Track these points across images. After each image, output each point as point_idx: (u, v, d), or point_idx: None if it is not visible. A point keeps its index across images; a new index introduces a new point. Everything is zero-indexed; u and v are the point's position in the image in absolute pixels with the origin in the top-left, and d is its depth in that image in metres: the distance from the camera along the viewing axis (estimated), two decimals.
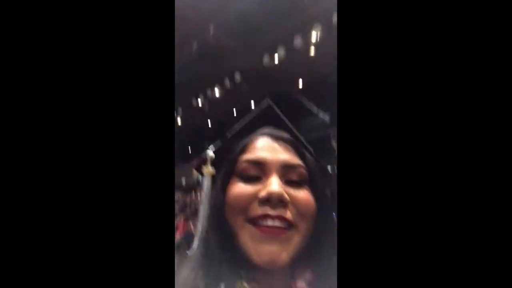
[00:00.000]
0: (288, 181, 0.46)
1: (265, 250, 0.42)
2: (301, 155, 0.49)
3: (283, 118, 0.55)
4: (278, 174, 0.46)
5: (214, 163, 0.57)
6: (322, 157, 0.55)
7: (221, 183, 0.50)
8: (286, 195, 0.44)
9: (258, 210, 0.44)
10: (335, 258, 0.46)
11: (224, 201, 0.48)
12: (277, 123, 0.55)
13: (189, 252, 0.53)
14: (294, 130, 0.55)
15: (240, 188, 0.46)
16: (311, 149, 0.52)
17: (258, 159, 0.47)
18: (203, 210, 0.54)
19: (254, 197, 0.45)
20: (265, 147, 0.49)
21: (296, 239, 0.44)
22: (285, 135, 0.51)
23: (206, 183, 0.56)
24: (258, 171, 0.47)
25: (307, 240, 0.46)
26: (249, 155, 0.49)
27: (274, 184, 0.44)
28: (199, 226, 0.54)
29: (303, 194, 0.46)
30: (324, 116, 0.62)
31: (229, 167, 0.50)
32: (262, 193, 0.44)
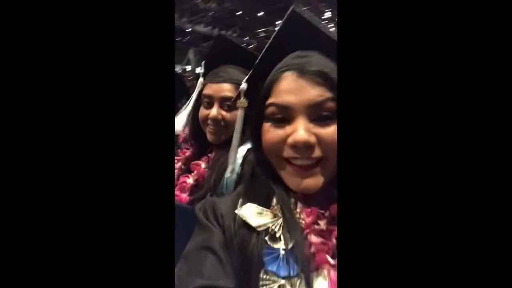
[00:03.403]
0: (316, 118, 0.48)
1: (301, 184, 0.49)
2: (330, 83, 0.48)
3: (310, 20, 0.53)
4: (304, 115, 0.48)
5: (246, 94, 0.61)
6: None
7: (254, 127, 0.55)
8: (311, 139, 0.47)
9: (288, 152, 0.49)
10: None
11: (260, 144, 0.53)
12: (304, 31, 0.53)
13: (226, 175, 0.65)
14: (326, 32, 0.53)
15: (271, 133, 0.51)
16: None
17: (284, 104, 0.49)
18: (236, 139, 0.62)
19: (284, 140, 0.49)
20: (291, 88, 0.49)
21: (327, 168, 0.49)
22: (313, 63, 0.49)
23: (239, 114, 0.63)
24: (285, 114, 0.49)
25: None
26: (274, 99, 0.50)
27: (299, 131, 0.47)
28: (232, 155, 0.63)
29: (330, 131, 0.47)
30: None
31: (258, 111, 0.53)
32: (289, 140, 0.48)
